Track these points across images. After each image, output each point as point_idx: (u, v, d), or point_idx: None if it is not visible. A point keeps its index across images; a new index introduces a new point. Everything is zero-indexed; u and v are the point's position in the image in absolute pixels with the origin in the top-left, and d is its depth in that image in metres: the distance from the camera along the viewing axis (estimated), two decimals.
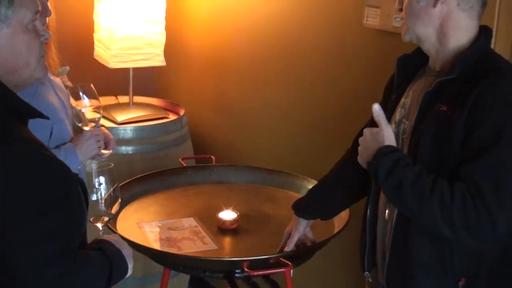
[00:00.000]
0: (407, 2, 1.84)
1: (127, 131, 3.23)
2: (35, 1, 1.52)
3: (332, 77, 2.87)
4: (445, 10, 1.79)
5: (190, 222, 2.51)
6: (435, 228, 1.70)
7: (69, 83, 2.46)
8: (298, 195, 2.65)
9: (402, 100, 1.95)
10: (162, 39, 3.38)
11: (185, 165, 2.93)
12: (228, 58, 3.49)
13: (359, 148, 1.87)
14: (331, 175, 2.26)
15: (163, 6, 3.36)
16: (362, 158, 1.85)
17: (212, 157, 3.02)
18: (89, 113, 2.33)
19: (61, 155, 2.18)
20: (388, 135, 1.80)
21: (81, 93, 2.29)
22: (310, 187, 2.67)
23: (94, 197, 1.74)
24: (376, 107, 1.83)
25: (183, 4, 3.69)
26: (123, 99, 3.60)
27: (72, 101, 2.31)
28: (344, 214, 2.40)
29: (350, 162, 2.12)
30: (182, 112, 3.48)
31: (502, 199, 1.64)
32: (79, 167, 1.96)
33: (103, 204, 1.74)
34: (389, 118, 1.94)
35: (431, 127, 1.77)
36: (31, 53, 1.51)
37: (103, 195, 1.74)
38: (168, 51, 3.42)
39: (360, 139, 1.87)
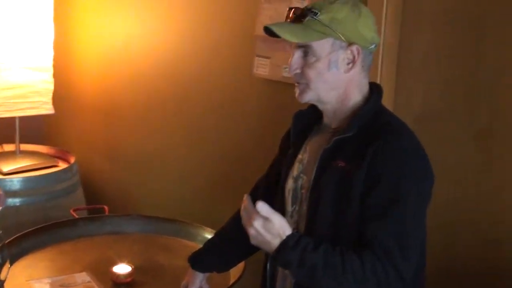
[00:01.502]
0: (313, 67, 1.82)
1: (14, 182, 3.13)
2: None
3: (226, 124, 2.90)
4: (352, 74, 1.84)
5: (83, 277, 2.45)
6: None
7: None
8: (193, 244, 2.65)
9: (300, 155, 1.97)
10: (50, 86, 3.31)
11: (76, 216, 2.87)
12: (119, 103, 3.46)
13: (251, 232, 1.76)
14: (227, 227, 2.26)
15: (51, 53, 3.29)
16: (260, 245, 1.79)
17: (105, 207, 2.97)
18: None
19: None
20: (281, 223, 1.75)
21: None
22: (206, 235, 2.68)
23: None
24: (260, 205, 1.74)
25: (71, 51, 3.64)
26: (9, 147, 3.50)
27: None
28: (240, 264, 2.41)
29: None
30: (72, 159, 3.41)
31: (406, 254, 1.70)
32: None
33: None
34: (286, 173, 1.97)
35: (331, 182, 1.80)
36: None
37: None
38: (57, 97, 3.35)
39: (248, 225, 1.76)
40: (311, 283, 1.76)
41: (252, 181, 2.21)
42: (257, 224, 1.74)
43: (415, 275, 1.85)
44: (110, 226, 2.84)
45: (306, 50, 1.83)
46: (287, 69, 2.53)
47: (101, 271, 2.47)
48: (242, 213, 1.80)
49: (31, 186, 3.17)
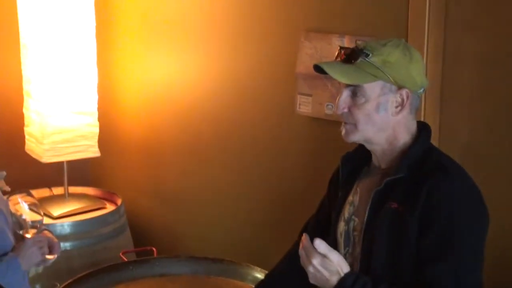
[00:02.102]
0: (361, 108, 1.82)
1: (64, 226, 3.16)
2: None
3: (270, 163, 2.91)
4: (400, 117, 1.83)
5: None
6: None
7: (6, 188, 2.41)
8: (243, 284, 2.66)
9: (350, 197, 1.96)
10: (95, 130, 3.36)
11: (125, 259, 2.88)
12: (163, 143, 3.49)
13: (310, 270, 1.79)
14: (279, 267, 2.25)
15: (95, 97, 3.34)
16: (318, 283, 1.82)
17: (154, 249, 2.98)
18: (29, 214, 2.29)
19: (2, 266, 2.12)
20: (339, 261, 1.78)
21: (20, 200, 2.25)
22: (256, 275, 2.68)
23: None
24: (317, 242, 1.78)
25: (114, 93, 3.69)
26: (58, 190, 3.54)
27: (12, 208, 2.27)
28: None
29: (294, 255, 2.13)
30: (119, 201, 3.44)
31: None
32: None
33: None
34: (337, 215, 1.97)
35: (384, 224, 1.79)
36: None
37: None
38: (102, 140, 3.40)
39: (307, 263, 1.79)
40: None
41: (298, 219, 2.21)
42: (316, 262, 1.76)
43: None
44: (160, 268, 2.84)
45: (355, 90, 1.82)
46: (329, 106, 2.56)
47: None
48: (301, 252, 1.81)
49: (81, 230, 3.20)
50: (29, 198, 2.31)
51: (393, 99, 1.81)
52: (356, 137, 1.86)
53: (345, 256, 1.93)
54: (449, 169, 1.80)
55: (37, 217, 2.32)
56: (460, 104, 2.29)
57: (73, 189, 3.51)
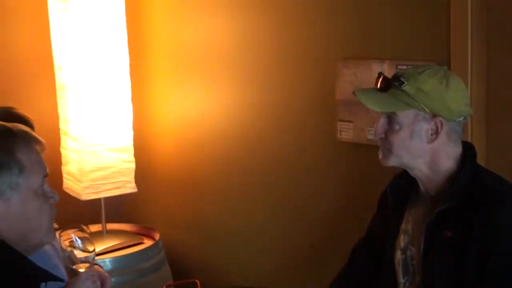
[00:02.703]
0: (396, 134, 1.87)
1: (106, 262, 3.17)
2: (43, 164, 1.53)
3: (313, 191, 2.92)
4: (436, 144, 1.85)
5: None
6: None
7: (55, 225, 2.42)
8: None
9: (403, 226, 1.98)
10: (132, 165, 3.38)
11: None
12: (199, 177, 3.51)
13: None
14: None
15: (130, 133, 3.38)
16: None
17: (197, 281, 2.98)
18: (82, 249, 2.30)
19: None
20: None
21: (72, 235, 2.27)
22: None
23: None
24: None
25: (150, 128, 3.72)
26: (95, 227, 3.55)
27: (63, 243, 2.28)
28: None
29: (348, 276, 2.15)
30: (156, 236, 3.45)
31: None
32: None
33: None
34: (392, 244, 1.98)
35: (442, 254, 1.81)
36: (43, 217, 1.51)
37: None
38: (138, 175, 3.42)
39: None
40: None
41: (341, 249, 2.22)
42: None
43: None
44: None
45: (390, 117, 1.87)
46: (371, 132, 2.57)
47: None
48: None
49: (122, 265, 3.21)
50: (81, 233, 2.32)
51: (428, 126, 1.84)
52: (392, 162, 1.91)
53: (404, 285, 1.95)
54: (500, 196, 1.80)
55: (89, 252, 2.33)
56: (506, 125, 2.30)
57: (110, 226, 3.53)
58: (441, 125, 1.84)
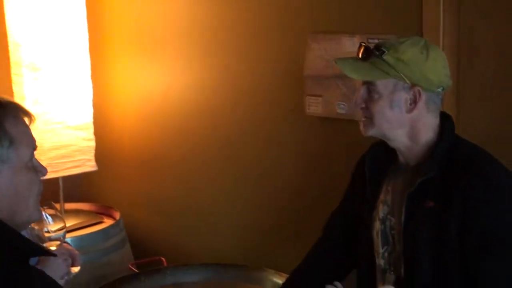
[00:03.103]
0: (376, 104, 1.87)
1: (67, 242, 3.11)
2: (32, 137, 1.49)
3: (281, 166, 2.92)
4: (415, 114, 1.87)
5: None
6: None
7: None
8: (258, 286, 2.66)
9: (382, 196, 1.99)
10: (92, 143, 3.31)
11: (136, 271, 2.86)
12: (160, 153, 3.47)
13: None
14: (304, 266, 2.26)
15: (90, 110, 3.31)
16: None
17: (162, 258, 2.96)
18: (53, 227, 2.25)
19: None
20: None
21: (43, 213, 2.21)
22: (269, 277, 2.69)
23: None
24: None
25: (110, 106, 3.66)
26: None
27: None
28: None
29: (322, 251, 2.16)
30: (117, 215, 3.40)
31: None
32: None
33: None
34: (370, 214, 2.00)
35: (423, 224, 1.83)
36: (33, 191, 1.47)
37: None
38: (98, 153, 3.36)
39: None
40: None
41: (309, 222, 2.22)
42: None
43: None
44: (172, 277, 2.82)
45: (369, 87, 1.87)
46: (341, 106, 2.59)
47: None
48: None
49: (83, 245, 3.14)
50: (51, 210, 2.27)
51: (407, 96, 1.85)
52: (372, 132, 1.91)
53: (383, 255, 1.97)
54: (481, 164, 1.83)
55: (60, 229, 2.28)
56: (476, 97, 2.34)
57: (69, 205, 3.46)
58: (419, 94, 1.85)
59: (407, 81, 1.84)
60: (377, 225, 1.99)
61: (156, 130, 3.47)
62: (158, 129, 3.45)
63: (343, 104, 2.59)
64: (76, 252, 2.35)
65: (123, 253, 3.30)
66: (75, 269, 2.29)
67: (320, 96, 2.66)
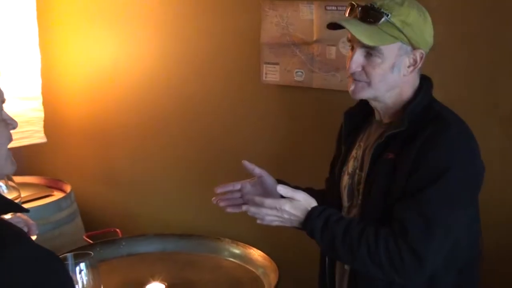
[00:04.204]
0: (377, 67, 1.83)
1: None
2: (0, 90, 1.44)
3: (237, 134, 2.92)
4: (409, 76, 1.87)
5: None
6: (370, 273, 1.79)
7: None
8: (214, 256, 2.67)
9: (354, 152, 2.00)
10: (41, 114, 3.24)
11: (91, 242, 2.82)
12: (110, 125, 3.42)
13: (285, 216, 1.84)
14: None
15: (39, 81, 3.23)
16: (292, 224, 1.87)
17: (117, 230, 2.93)
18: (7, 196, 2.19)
19: None
20: (305, 198, 1.84)
21: None
22: (226, 246, 2.70)
23: None
24: (279, 188, 1.85)
25: (59, 77, 3.58)
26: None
27: None
28: (273, 276, 2.43)
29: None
30: (67, 188, 3.34)
31: (428, 236, 1.71)
32: None
33: None
34: (340, 169, 2.01)
35: (381, 174, 1.83)
36: (3, 145, 1.42)
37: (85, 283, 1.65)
38: (47, 125, 3.29)
39: (277, 213, 1.84)
40: (333, 253, 1.84)
41: None
42: (287, 207, 1.82)
43: (471, 266, 1.89)
44: (127, 248, 2.80)
45: (370, 51, 1.83)
46: (299, 73, 2.59)
47: None
48: (258, 211, 1.84)
49: (35, 217, 3.07)
50: (4, 180, 2.23)
51: (407, 59, 1.84)
52: (367, 95, 1.89)
53: (349, 209, 1.98)
54: (447, 119, 1.83)
55: (15, 198, 2.24)
56: (432, 59, 2.34)
57: (17, 179, 3.37)
58: (421, 57, 1.84)
59: (412, 45, 1.82)
60: (345, 180, 2.00)
61: (105, 101, 3.41)
62: (108, 100, 3.40)
63: (300, 72, 2.59)
64: (32, 221, 2.30)
65: (75, 226, 3.25)
66: (32, 238, 2.24)
67: (277, 64, 2.65)
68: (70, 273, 1.64)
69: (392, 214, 1.77)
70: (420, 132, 1.79)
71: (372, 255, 1.74)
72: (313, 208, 1.83)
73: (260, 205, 1.83)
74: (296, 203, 1.83)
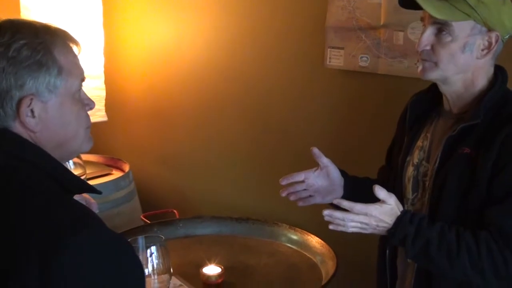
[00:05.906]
0: (447, 47, 1.76)
1: None
2: (80, 67, 1.43)
3: (300, 119, 2.87)
4: (483, 61, 1.79)
5: (173, 281, 2.40)
6: (466, 278, 1.73)
7: None
8: (271, 241, 2.64)
9: (420, 142, 1.94)
10: (103, 93, 3.26)
11: (148, 222, 2.83)
12: (172, 106, 3.42)
13: (373, 223, 1.74)
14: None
15: (101, 60, 3.25)
16: (375, 231, 1.78)
17: (175, 210, 2.93)
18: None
19: None
20: (397, 202, 1.76)
21: None
22: (283, 231, 2.67)
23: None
24: (378, 190, 1.74)
25: (121, 56, 3.60)
26: None
27: None
28: (331, 264, 2.39)
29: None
30: (126, 167, 3.36)
31: None
32: None
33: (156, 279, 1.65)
34: (404, 160, 1.95)
35: (456, 169, 1.76)
36: (80, 123, 1.42)
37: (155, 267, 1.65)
38: (108, 104, 3.31)
39: (364, 219, 1.75)
40: (426, 260, 1.75)
41: None
42: (377, 212, 1.73)
43: None
44: (184, 229, 2.80)
45: (442, 28, 1.76)
46: (364, 58, 2.53)
47: (190, 274, 2.43)
48: (346, 216, 1.74)
49: (94, 196, 3.10)
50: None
51: (481, 41, 1.76)
52: (435, 75, 1.81)
53: (413, 201, 1.92)
54: None
55: (80, 175, 2.25)
56: None
57: (76, 157, 3.42)
58: (496, 40, 1.76)
59: (487, 25, 1.74)
60: (410, 171, 1.93)
61: (166, 82, 3.41)
62: (168, 81, 3.40)
63: (365, 57, 2.54)
64: (93, 200, 2.31)
65: (133, 205, 3.27)
66: None
67: (342, 48, 2.60)
68: (141, 257, 1.63)
69: (486, 218, 1.71)
70: (498, 128, 1.72)
71: (474, 263, 1.68)
72: (404, 213, 1.75)
73: (349, 209, 1.74)
74: (386, 208, 1.74)
